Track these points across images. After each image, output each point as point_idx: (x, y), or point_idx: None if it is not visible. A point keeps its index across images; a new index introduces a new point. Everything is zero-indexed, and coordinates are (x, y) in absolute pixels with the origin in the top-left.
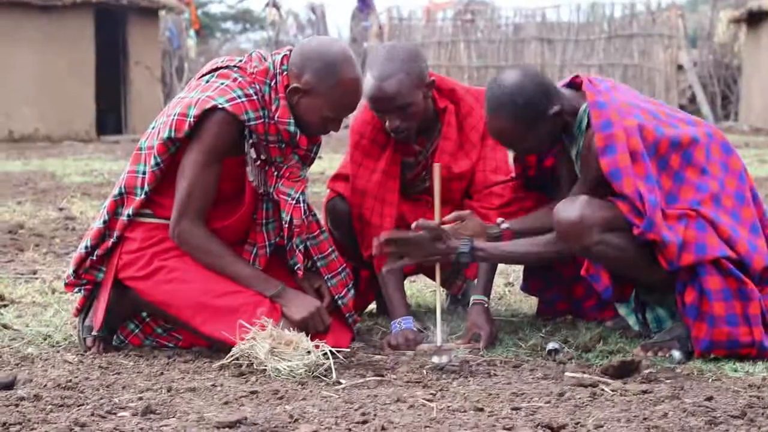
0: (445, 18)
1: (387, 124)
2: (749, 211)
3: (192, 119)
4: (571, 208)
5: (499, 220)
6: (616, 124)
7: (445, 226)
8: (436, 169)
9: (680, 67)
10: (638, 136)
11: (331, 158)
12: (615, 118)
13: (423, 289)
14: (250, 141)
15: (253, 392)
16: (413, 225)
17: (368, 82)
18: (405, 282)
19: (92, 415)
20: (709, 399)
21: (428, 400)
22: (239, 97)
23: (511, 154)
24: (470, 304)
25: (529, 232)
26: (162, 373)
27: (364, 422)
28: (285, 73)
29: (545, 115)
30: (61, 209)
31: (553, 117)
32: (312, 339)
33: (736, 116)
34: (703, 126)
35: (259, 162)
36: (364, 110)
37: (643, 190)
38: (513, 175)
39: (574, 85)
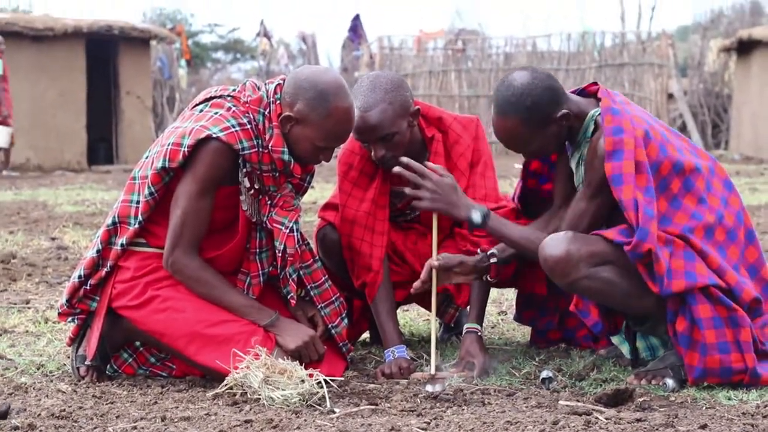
0: (435, 47)
1: (372, 153)
2: (736, 250)
3: (186, 149)
4: (556, 244)
5: (480, 250)
6: (627, 132)
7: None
8: None
9: (671, 96)
10: (644, 148)
11: (323, 188)
12: (627, 126)
13: (416, 318)
14: (244, 170)
15: (247, 421)
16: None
17: None
18: (398, 311)
19: None
20: (704, 427)
21: (422, 429)
22: (233, 126)
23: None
24: (463, 332)
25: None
26: (156, 402)
27: None
28: (278, 101)
29: (553, 117)
30: (53, 239)
31: (560, 119)
32: (306, 368)
33: (727, 145)
34: (708, 160)
35: (252, 191)
36: (351, 141)
37: (640, 200)
38: (503, 202)
39: (586, 92)
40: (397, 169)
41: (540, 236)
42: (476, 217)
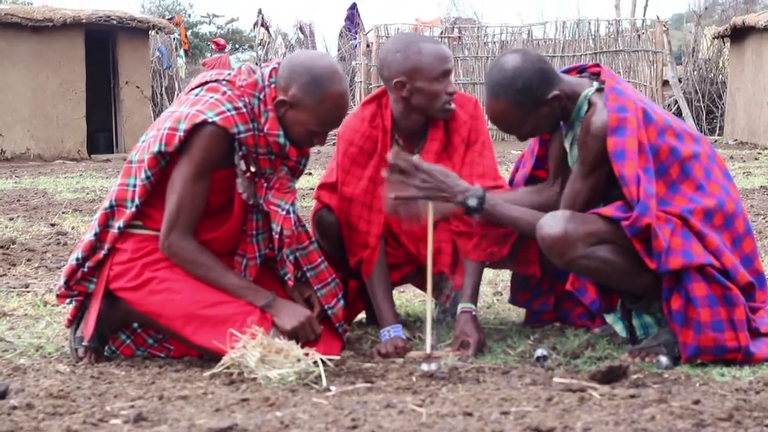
0: (432, 36)
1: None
2: (730, 237)
3: (182, 133)
4: (554, 224)
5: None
6: (630, 111)
7: None
8: None
9: (666, 83)
10: (644, 129)
11: (320, 174)
12: (630, 106)
13: (412, 299)
14: (240, 153)
15: (243, 400)
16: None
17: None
18: (394, 292)
19: (84, 422)
20: (697, 402)
21: (418, 406)
22: (229, 110)
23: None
24: (458, 312)
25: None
26: (153, 382)
27: (354, 427)
28: (273, 85)
29: (544, 98)
30: (52, 225)
31: (551, 101)
32: (302, 348)
33: (721, 130)
34: (708, 146)
35: (248, 174)
36: (353, 118)
37: (642, 177)
38: (501, 182)
39: (588, 73)
40: (387, 159)
41: (538, 215)
42: (472, 201)
